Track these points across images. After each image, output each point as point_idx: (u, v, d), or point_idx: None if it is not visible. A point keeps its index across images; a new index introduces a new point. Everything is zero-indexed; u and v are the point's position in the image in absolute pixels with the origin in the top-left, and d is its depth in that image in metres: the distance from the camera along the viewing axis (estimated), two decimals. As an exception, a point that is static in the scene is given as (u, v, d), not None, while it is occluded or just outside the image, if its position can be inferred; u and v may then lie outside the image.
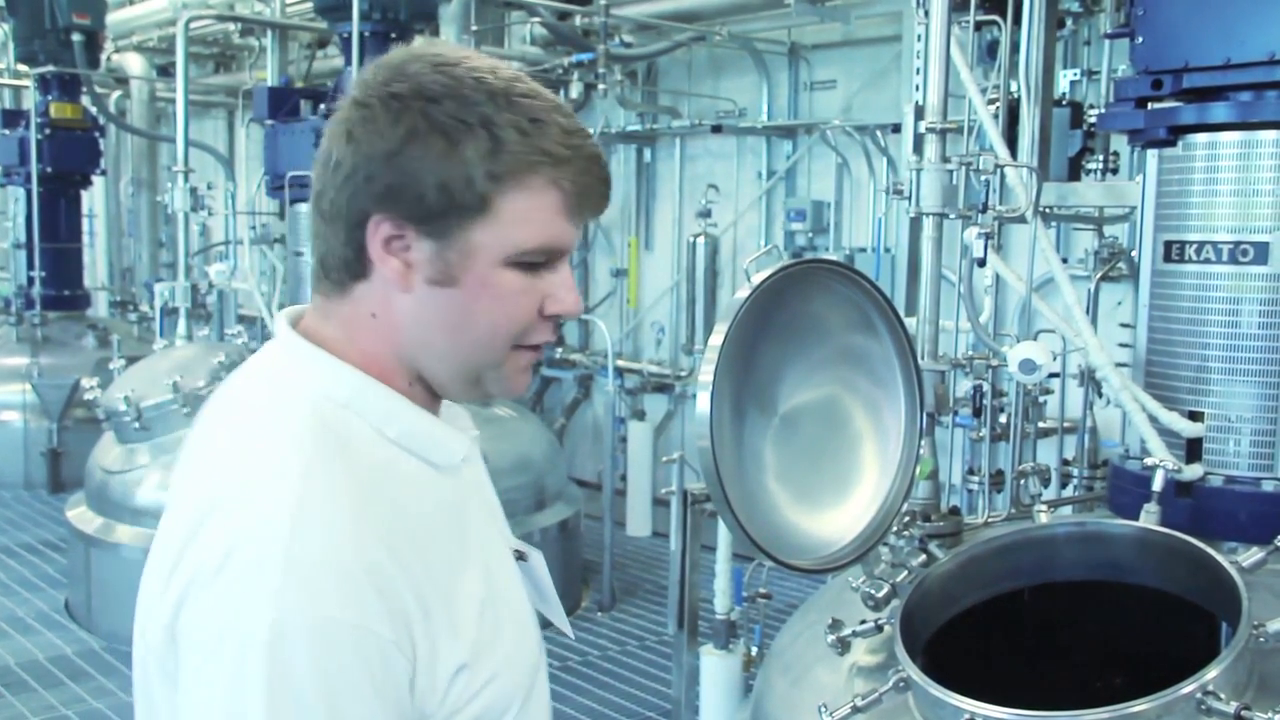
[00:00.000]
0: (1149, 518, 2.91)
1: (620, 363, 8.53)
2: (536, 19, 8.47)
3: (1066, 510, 3.98)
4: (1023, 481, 3.78)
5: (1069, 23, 6.09)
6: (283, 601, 1.09)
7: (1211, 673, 2.34)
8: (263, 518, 1.14)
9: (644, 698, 5.73)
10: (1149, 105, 3.23)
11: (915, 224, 4.39)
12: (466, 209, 1.21)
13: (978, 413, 4.09)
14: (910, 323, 3.11)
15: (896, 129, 6.86)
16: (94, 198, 12.75)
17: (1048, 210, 4.03)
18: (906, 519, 3.19)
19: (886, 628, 2.86)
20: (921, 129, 3.45)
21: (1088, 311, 4.25)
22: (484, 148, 1.20)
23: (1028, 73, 3.91)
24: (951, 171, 3.38)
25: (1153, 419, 3.16)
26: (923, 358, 3.31)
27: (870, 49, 7.80)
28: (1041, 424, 4.60)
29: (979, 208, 3.34)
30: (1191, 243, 3.16)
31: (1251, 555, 2.71)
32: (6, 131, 10.58)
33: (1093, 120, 4.39)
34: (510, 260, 1.24)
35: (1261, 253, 3.04)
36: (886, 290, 2.81)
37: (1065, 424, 4.53)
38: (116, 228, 13.54)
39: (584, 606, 7.03)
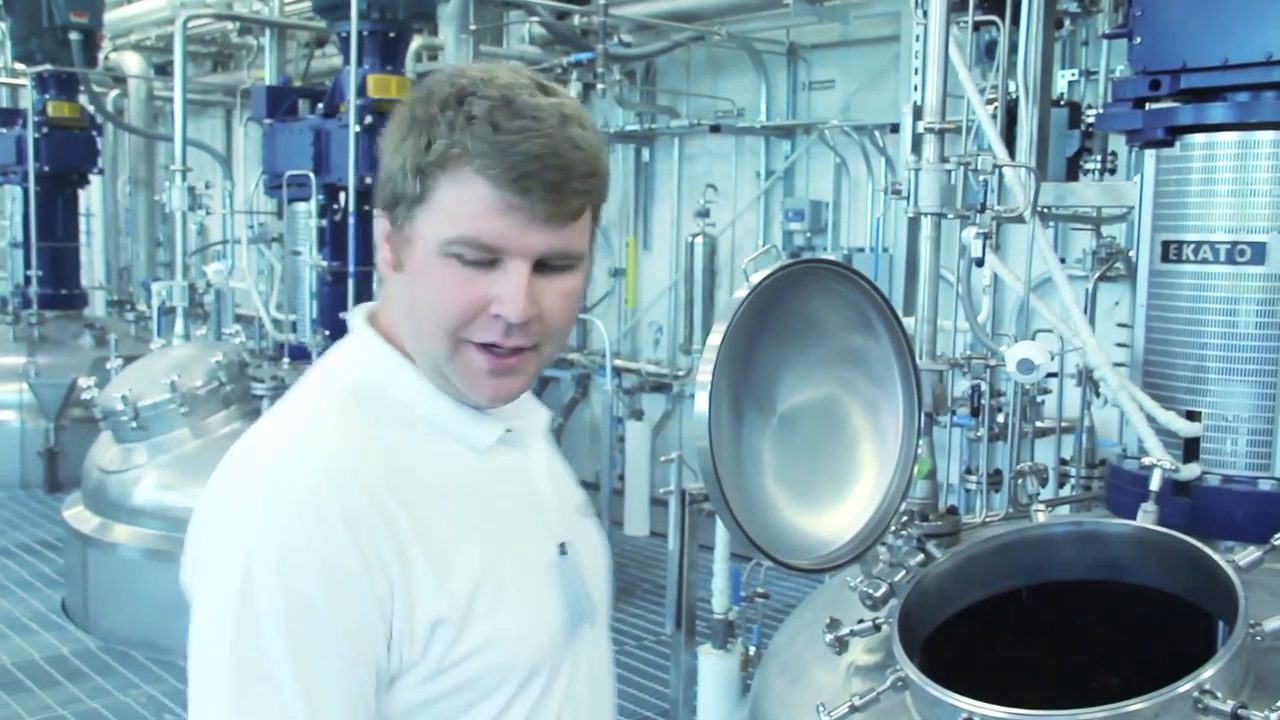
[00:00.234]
0: (1146, 517, 2.91)
1: (618, 362, 8.52)
2: (535, 18, 8.46)
3: (1064, 510, 3.99)
4: (1020, 481, 3.78)
5: (1067, 23, 6.09)
6: (259, 529, 1.26)
7: (1208, 672, 2.35)
8: (261, 463, 1.32)
9: (642, 697, 5.72)
10: (1147, 105, 3.23)
11: (913, 224, 4.41)
12: (410, 198, 1.33)
13: (975, 412, 4.10)
14: (908, 322, 3.11)
15: (895, 129, 6.85)
16: (91, 197, 12.71)
17: (1046, 210, 4.03)
18: (904, 518, 3.19)
19: (884, 627, 2.86)
20: (920, 129, 3.45)
21: (1085, 311, 4.26)
22: (422, 141, 1.30)
23: (1026, 73, 3.91)
24: (950, 171, 3.38)
25: (1150, 419, 3.16)
26: (921, 357, 3.31)
27: (869, 49, 7.80)
28: (1039, 424, 4.60)
29: (977, 208, 3.34)
30: (1189, 243, 3.16)
31: (1248, 554, 2.72)
32: (4, 130, 10.55)
33: (1091, 120, 4.40)
34: (443, 250, 1.31)
35: (1259, 253, 3.05)
36: (885, 290, 2.81)
37: (1063, 424, 4.55)
38: (114, 227, 13.53)
39: (582, 606, 7.01)
